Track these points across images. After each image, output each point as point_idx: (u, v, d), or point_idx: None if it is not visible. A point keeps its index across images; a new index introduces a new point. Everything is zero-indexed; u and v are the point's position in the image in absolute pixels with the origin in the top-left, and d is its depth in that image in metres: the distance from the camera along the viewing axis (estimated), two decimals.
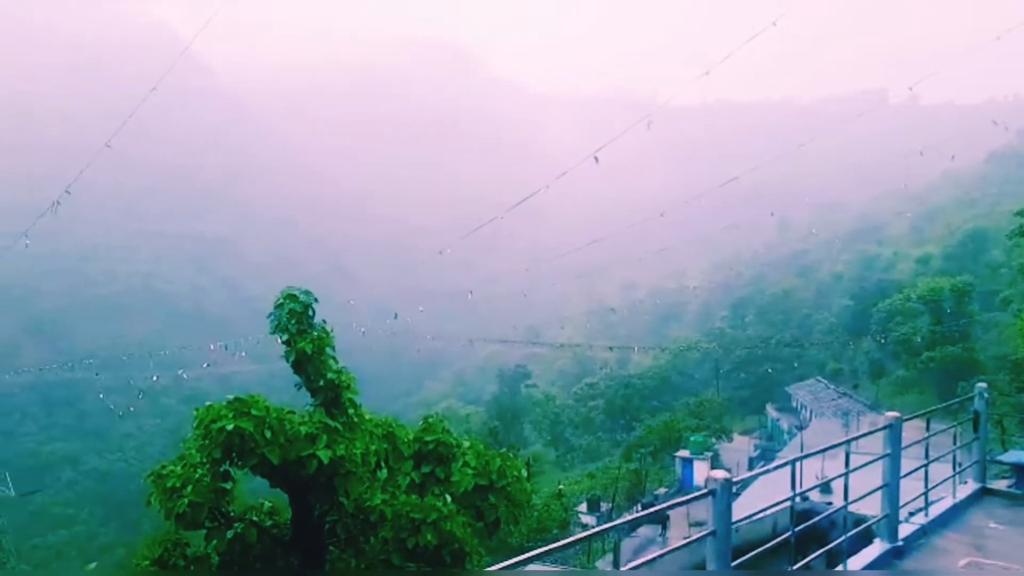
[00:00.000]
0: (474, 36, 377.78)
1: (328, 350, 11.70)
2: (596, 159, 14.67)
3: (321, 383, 11.56)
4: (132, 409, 68.01)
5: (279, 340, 11.46)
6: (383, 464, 12.20)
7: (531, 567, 4.50)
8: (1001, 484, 10.28)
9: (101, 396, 63.12)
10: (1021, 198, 32.93)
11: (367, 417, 12.12)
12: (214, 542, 11.20)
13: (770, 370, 74.41)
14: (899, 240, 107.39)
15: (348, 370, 11.73)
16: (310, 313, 11.67)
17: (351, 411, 11.78)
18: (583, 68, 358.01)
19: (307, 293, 11.64)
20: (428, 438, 13.08)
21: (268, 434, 10.45)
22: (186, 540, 11.37)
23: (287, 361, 11.58)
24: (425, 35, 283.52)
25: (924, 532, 8.05)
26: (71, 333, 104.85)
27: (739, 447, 56.22)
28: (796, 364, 71.32)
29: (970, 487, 9.53)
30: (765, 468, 7.83)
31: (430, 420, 13.39)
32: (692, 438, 49.03)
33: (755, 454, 54.28)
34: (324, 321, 11.78)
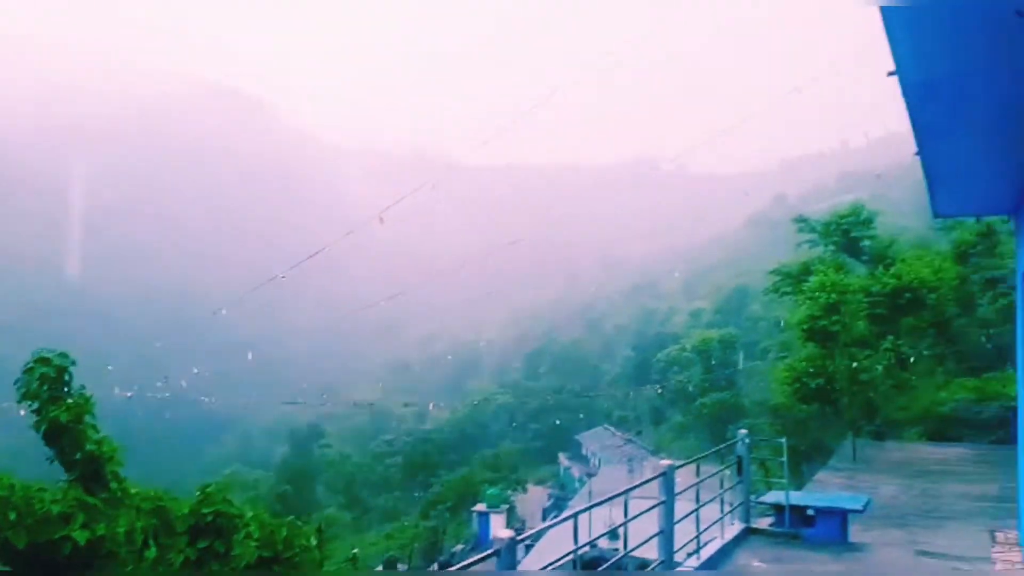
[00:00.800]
0: (264, 83, 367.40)
1: (87, 418, 10.53)
2: (381, 220, 14.61)
3: (78, 456, 10.37)
4: None
5: (27, 409, 10.19)
6: (152, 542, 11.10)
7: None
8: (764, 523, 11.17)
9: None
10: (774, 258, 37.00)
11: (133, 491, 10.99)
12: None
13: (558, 422, 77.25)
14: (674, 296, 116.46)
15: (111, 439, 10.62)
16: (66, 377, 10.50)
17: (114, 485, 10.63)
18: (382, 123, 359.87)
19: (63, 355, 10.45)
20: (206, 510, 12.08)
21: (12, 515, 9.16)
22: None
23: (37, 431, 10.30)
24: (208, 79, 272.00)
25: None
26: None
27: (534, 498, 57.38)
28: (583, 415, 74.59)
29: (736, 527, 10.27)
30: (554, 521, 7.98)
31: (208, 490, 12.40)
32: (488, 491, 49.34)
33: (548, 504, 55.61)
34: (83, 386, 10.63)
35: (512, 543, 4.67)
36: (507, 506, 47.85)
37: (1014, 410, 13.65)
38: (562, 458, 71.86)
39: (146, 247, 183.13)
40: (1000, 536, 10.00)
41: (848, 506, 10.14)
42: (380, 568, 41.61)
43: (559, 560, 7.74)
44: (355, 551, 43.43)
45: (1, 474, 9.54)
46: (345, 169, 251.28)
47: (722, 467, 10.72)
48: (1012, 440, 15.67)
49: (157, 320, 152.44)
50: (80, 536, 9.47)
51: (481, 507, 47.27)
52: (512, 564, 4.64)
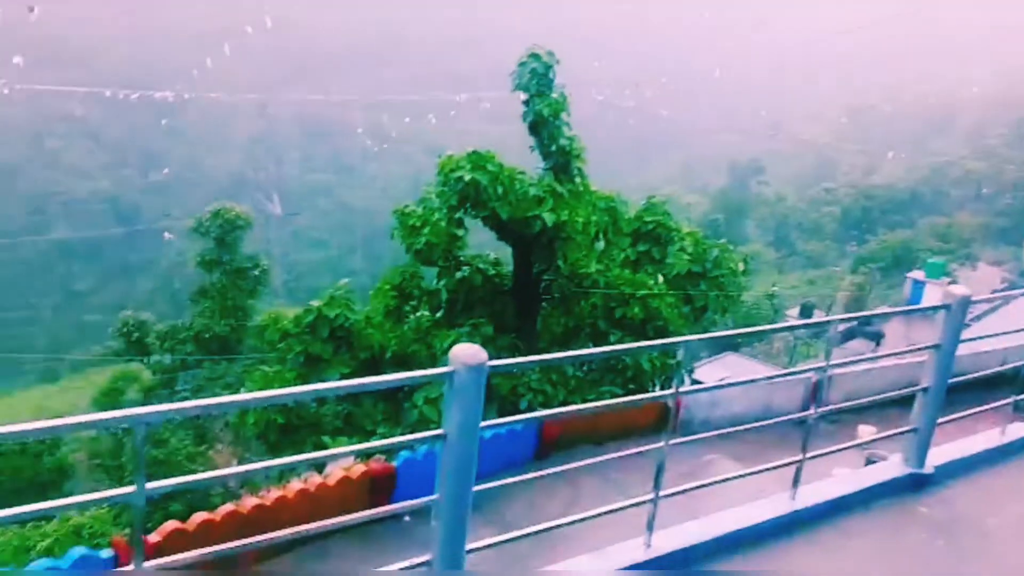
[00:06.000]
0: None
1: (563, 116, 11.87)
2: None
3: (553, 148, 11.88)
4: (376, 149, 74.45)
5: (520, 98, 11.75)
6: (602, 236, 12.65)
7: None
8: None
9: (360, 131, 69.32)
10: None
11: (592, 189, 12.42)
12: (444, 280, 12.46)
13: None
14: None
15: (579, 139, 11.89)
16: (550, 76, 11.76)
17: (578, 179, 12.10)
18: None
19: (550, 54, 11.66)
20: (648, 218, 13.26)
21: (499, 189, 11.09)
22: (421, 274, 12.73)
23: (524, 121, 11.93)
24: None
25: None
26: (334, 73, 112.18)
27: (983, 278, 51.46)
28: None
29: None
30: (1007, 293, 7.23)
31: (653, 201, 13.48)
32: (930, 261, 45.43)
33: (1001, 287, 49.65)
34: (564, 86, 11.85)
35: (966, 302, 4.24)
36: (948, 279, 43.88)
37: None
38: None
39: None
40: None
41: None
42: (795, 311, 42.16)
43: (1004, 335, 7.09)
44: (774, 286, 44.46)
45: (493, 154, 11.43)
46: None
47: None
48: None
49: (622, 39, 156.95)
50: (548, 217, 11.19)
51: (919, 274, 44.03)
52: (960, 323, 4.27)
